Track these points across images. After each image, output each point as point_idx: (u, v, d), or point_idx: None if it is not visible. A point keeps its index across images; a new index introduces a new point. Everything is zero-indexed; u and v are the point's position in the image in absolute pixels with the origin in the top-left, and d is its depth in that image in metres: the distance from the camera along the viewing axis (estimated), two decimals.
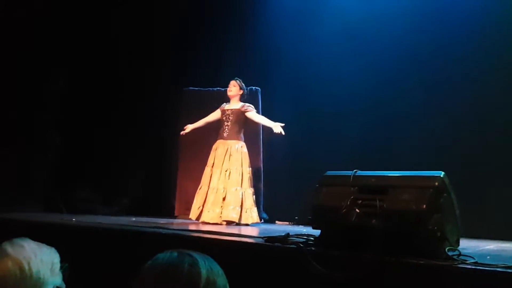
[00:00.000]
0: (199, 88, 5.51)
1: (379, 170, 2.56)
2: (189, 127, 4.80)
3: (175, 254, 1.11)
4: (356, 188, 2.39)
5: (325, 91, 5.15)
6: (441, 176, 2.19)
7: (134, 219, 4.51)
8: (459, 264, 2.03)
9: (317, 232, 2.61)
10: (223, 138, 4.61)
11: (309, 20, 5.45)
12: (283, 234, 2.64)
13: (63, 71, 5.75)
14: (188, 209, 4.77)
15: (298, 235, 2.69)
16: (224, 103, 4.78)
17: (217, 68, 5.61)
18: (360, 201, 2.36)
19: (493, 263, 2.01)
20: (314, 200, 2.51)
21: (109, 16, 5.83)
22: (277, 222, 5.04)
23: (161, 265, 1.08)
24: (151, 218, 4.66)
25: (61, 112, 5.75)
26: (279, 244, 2.58)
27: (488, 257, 2.42)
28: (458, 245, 2.28)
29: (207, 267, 1.07)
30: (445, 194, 2.18)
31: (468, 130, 4.49)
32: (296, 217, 4.68)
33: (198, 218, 4.46)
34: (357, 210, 2.32)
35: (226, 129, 4.61)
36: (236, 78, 4.79)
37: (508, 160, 4.34)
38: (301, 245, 2.46)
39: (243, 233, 3.57)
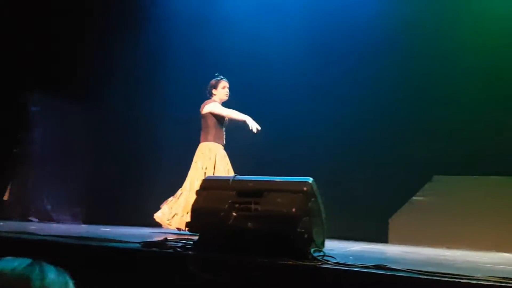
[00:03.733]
0: None
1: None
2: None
3: (23, 264, 1.02)
4: (235, 192, 2.46)
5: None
6: (310, 181, 2.34)
7: None
8: (322, 264, 2.19)
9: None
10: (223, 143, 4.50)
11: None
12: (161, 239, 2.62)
13: None
14: None
15: (177, 240, 2.68)
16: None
17: None
18: (237, 205, 2.43)
19: (352, 263, 2.20)
20: (194, 203, 2.53)
21: None
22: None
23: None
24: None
25: None
26: (156, 249, 2.54)
27: (351, 257, 2.65)
28: (324, 246, 2.45)
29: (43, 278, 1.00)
30: (313, 199, 2.34)
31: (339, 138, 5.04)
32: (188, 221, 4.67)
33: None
34: (234, 214, 2.39)
35: (225, 134, 4.52)
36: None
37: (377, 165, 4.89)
38: (179, 250, 2.46)
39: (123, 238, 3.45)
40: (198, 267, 2.32)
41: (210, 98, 4.55)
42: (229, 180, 2.48)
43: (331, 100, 5.36)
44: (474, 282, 1.85)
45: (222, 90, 4.53)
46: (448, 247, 4.52)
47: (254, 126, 4.24)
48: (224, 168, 4.34)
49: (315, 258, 2.27)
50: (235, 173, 4.00)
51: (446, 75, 5.08)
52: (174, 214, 4.23)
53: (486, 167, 4.80)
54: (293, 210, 2.29)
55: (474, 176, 4.87)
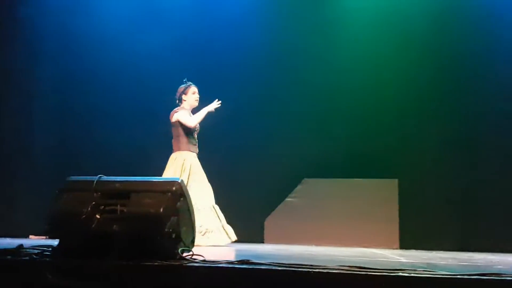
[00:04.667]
0: None
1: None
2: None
3: None
4: (99, 193, 2.35)
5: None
6: (178, 181, 2.34)
7: None
8: (189, 263, 2.20)
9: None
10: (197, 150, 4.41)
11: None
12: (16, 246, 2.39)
13: None
14: None
15: (34, 247, 2.47)
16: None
17: None
18: (102, 207, 2.33)
19: (218, 260, 2.25)
20: (52, 207, 2.35)
21: None
22: (31, 236, 4.59)
23: None
24: None
25: None
26: (9, 256, 2.31)
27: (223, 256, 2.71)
28: (193, 245, 2.46)
29: None
30: (182, 198, 2.33)
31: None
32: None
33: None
34: (98, 216, 2.28)
35: (197, 141, 4.45)
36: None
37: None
38: (35, 257, 2.27)
39: None
40: (56, 274, 2.17)
41: (179, 105, 4.43)
42: (93, 181, 2.36)
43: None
44: (325, 271, 2.01)
45: (192, 96, 4.45)
46: (317, 244, 4.85)
47: (214, 105, 4.31)
48: (199, 178, 4.26)
49: (183, 258, 2.27)
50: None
51: (318, 82, 5.49)
52: None
53: (350, 170, 5.28)
54: (161, 210, 2.26)
55: (339, 179, 5.31)
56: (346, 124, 5.39)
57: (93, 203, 2.30)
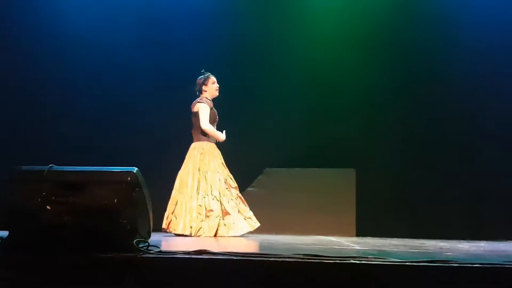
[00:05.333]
0: None
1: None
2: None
3: None
4: (51, 184, 2.27)
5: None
6: (134, 171, 2.30)
7: None
8: (144, 254, 2.17)
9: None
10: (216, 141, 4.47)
11: None
12: None
13: None
14: None
15: None
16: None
17: None
18: (53, 198, 2.25)
19: (175, 251, 2.24)
20: (1, 198, 2.26)
21: None
22: None
23: None
24: None
25: None
26: None
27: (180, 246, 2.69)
28: (150, 236, 2.43)
29: None
30: (137, 189, 2.29)
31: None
32: None
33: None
34: (49, 208, 2.21)
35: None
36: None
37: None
38: None
39: None
40: (4, 267, 2.09)
41: (199, 96, 4.45)
42: (43, 170, 2.28)
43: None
44: (280, 260, 2.04)
45: (212, 86, 4.48)
46: (277, 233, 4.91)
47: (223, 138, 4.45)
48: (218, 168, 4.29)
49: (138, 249, 2.24)
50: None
51: (278, 74, 5.52)
52: (167, 217, 4.21)
53: (309, 160, 5.37)
54: (115, 201, 2.21)
55: (300, 169, 5.39)
56: (306, 115, 5.46)
57: (44, 194, 2.22)
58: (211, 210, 4.15)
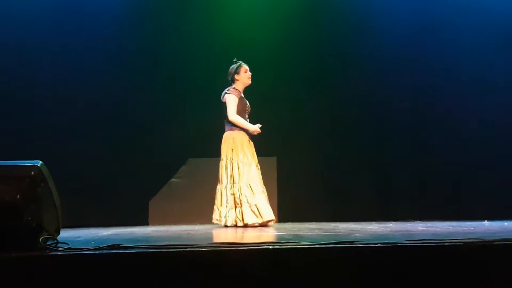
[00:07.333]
0: None
1: None
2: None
3: None
4: None
5: None
6: (38, 165, 2.16)
7: None
8: (51, 252, 2.06)
9: None
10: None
11: None
12: None
13: None
14: None
15: None
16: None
17: None
18: None
19: (85, 247, 2.15)
20: None
21: None
22: None
23: None
24: None
25: None
26: None
27: (93, 242, 2.60)
28: (58, 233, 2.31)
29: None
30: (42, 184, 2.16)
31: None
32: None
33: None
34: None
35: (248, 120, 4.44)
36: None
37: None
38: None
39: None
40: None
41: (231, 85, 4.41)
42: None
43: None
44: (196, 249, 2.04)
45: (244, 74, 4.44)
46: (201, 223, 4.91)
47: (257, 129, 4.38)
48: (248, 157, 4.28)
49: (45, 247, 2.12)
50: None
51: (200, 67, 5.50)
52: (219, 212, 4.26)
53: None
54: (18, 197, 2.07)
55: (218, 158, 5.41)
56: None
57: None
58: (242, 199, 4.20)
